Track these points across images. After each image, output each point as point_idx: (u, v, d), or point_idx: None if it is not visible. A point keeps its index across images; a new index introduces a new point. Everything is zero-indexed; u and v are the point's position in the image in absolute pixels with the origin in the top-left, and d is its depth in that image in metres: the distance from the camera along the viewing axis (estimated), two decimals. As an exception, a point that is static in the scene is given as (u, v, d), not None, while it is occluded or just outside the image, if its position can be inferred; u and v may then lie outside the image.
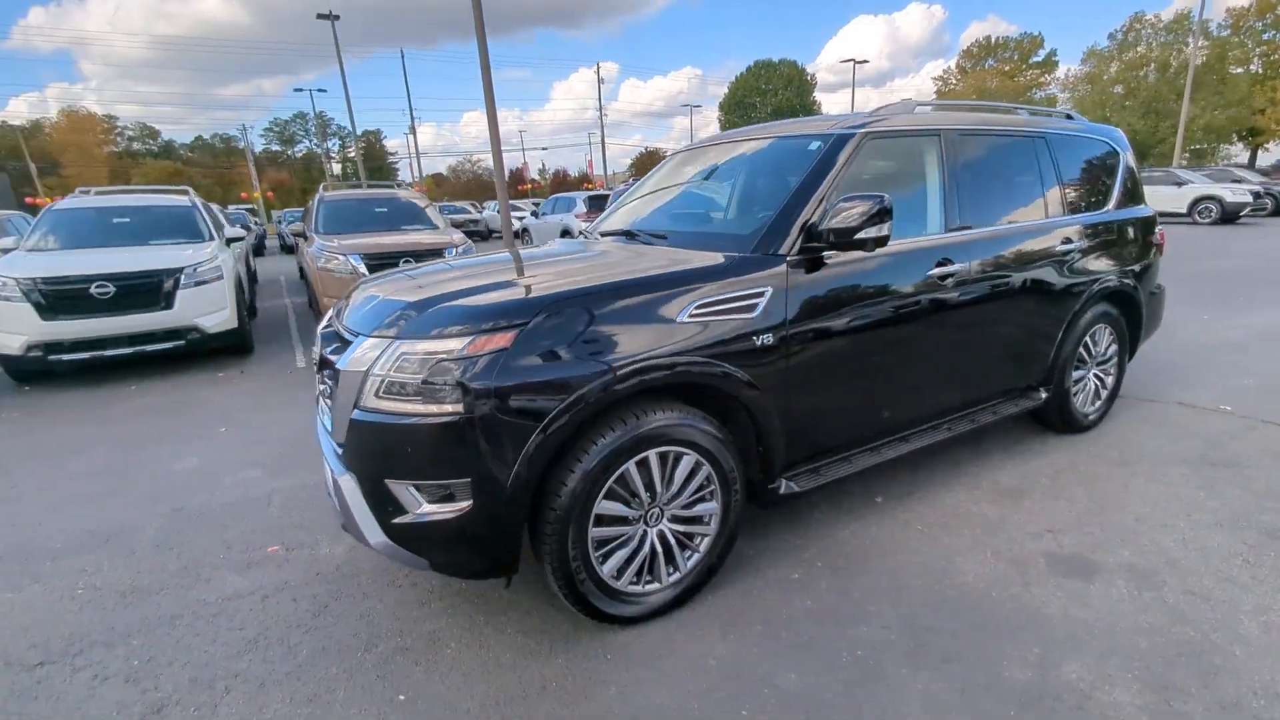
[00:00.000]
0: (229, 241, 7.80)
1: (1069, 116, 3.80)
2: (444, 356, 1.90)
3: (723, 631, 2.25)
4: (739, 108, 53.06)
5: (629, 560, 2.23)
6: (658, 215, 3.31)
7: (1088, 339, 3.57)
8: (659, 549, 2.28)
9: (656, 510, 2.26)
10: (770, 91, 53.28)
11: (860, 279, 2.58)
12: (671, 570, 2.33)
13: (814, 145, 2.73)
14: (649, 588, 2.29)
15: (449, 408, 1.88)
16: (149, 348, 6.08)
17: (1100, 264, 3.51)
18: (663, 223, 3.20)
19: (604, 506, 2.11)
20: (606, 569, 2.18)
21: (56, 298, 5.78)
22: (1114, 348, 3.77)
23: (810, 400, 2.51)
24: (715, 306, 2.23)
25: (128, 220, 7.35)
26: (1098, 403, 3.79)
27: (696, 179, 3.42)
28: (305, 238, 8.29)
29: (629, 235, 3.03)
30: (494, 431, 1.90)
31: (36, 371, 5.99)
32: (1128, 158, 3.87)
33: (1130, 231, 3.73)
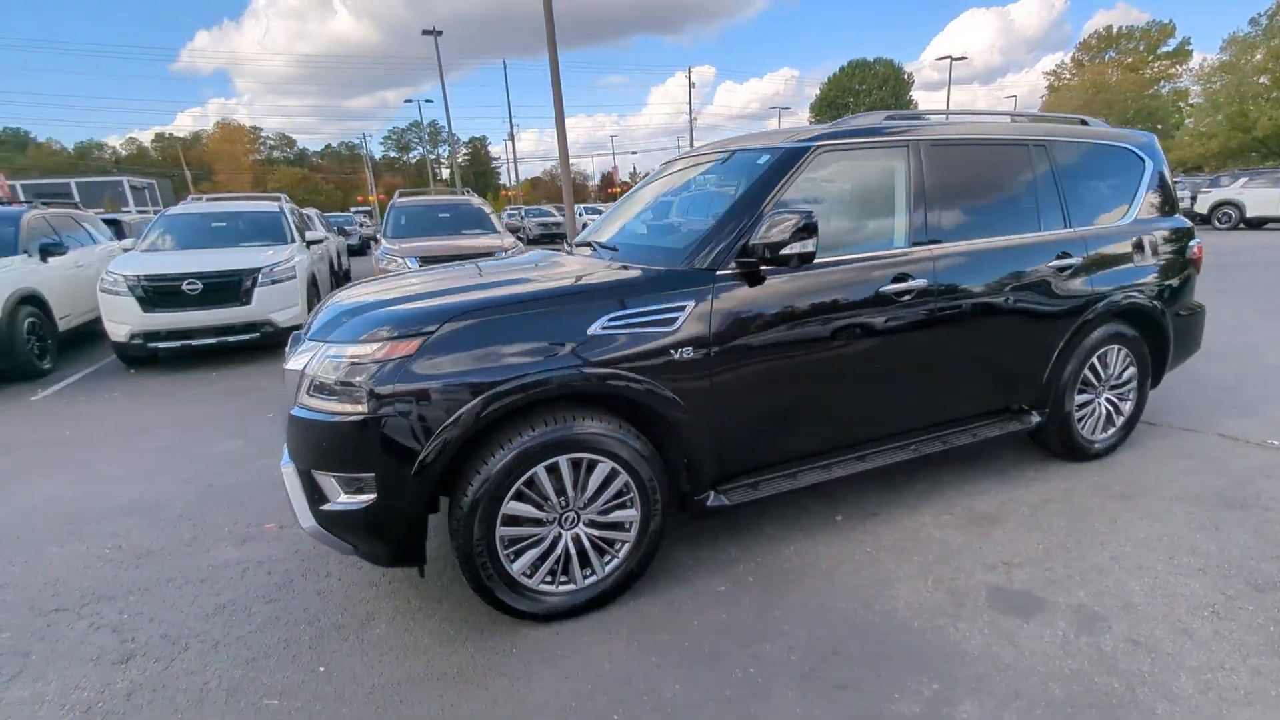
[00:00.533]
0: (309, 244, 8.54)
1: (1083, 122, 3.55)
2: (359, 360, 2.09)
3: (629, 637, 2.32)
4: (830, 108, 51.62)
5: (542, 559, 2.34)
6: (626, 228, 3.39)
7: (1095, 361, 3.32)
8: (573, 552, 2.37)
9: (572, 514, 2.35)
10: (864, 91, 51.51)
11: (800, 296, 2.56)
12: (588, 573, 2.42)
13: (763, 159, 2.72)
14: (562, 588, 2.39)
15: (360, 407, 2.07)
16: (229, 339, 6.84)
17: (1112, 280, 3.26)
18: (624, 236, 3.28)
19: (512, 507, 2.23)
20: (517, 566, 2.30)
21: (155, 292, 6.61)
22: (1131, 371, 3.47)
23: (742, 417, 2.52)
24: (629, 320, 2.30)
25: (224, 225, 8.24)
26: (1110, 430, 3.51)
27: (669, 192, 3.47)
28: (376, 240, 8.96)
29: (591, 247, 3.14)
30: (396, 431, 2.07)
31: (141, 357, 6.86)
32: (1155, 165, 3.55)
33: (1153, 245, 3.42)
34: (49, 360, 6.84)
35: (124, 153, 68.71)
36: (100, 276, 6.77)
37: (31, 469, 4.14)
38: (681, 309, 2.37)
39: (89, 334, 7.84)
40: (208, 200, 9.44)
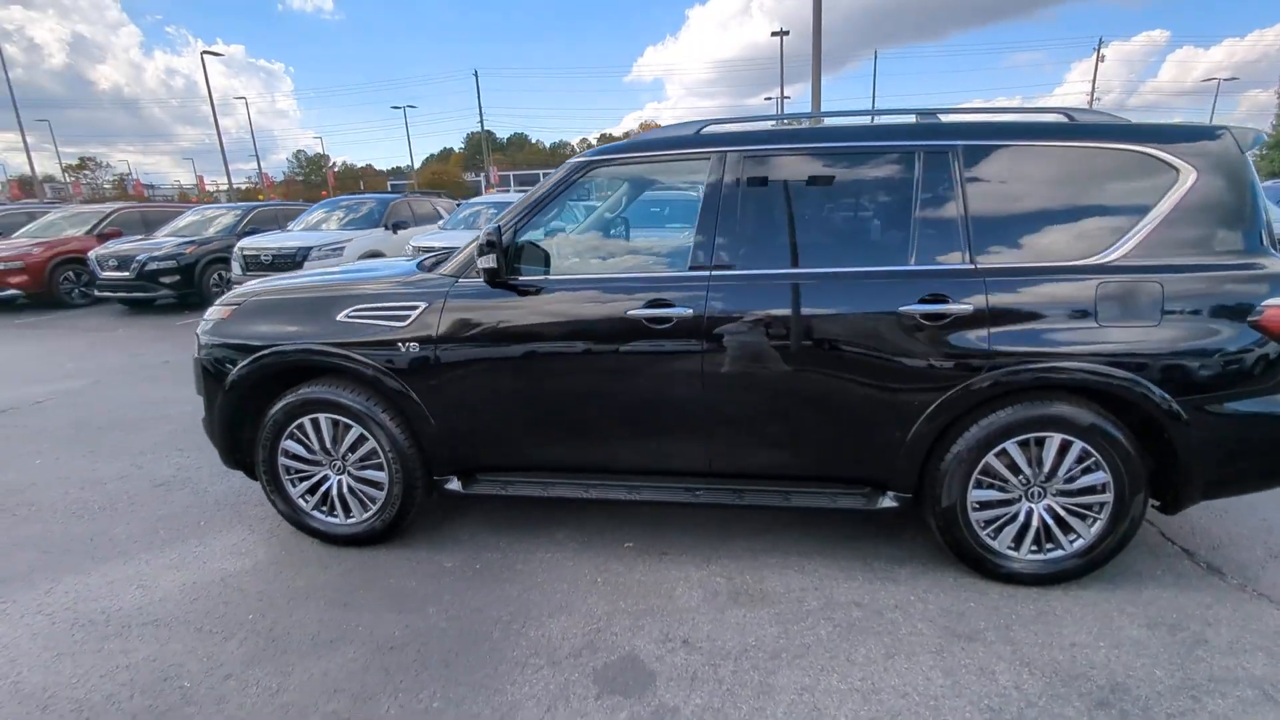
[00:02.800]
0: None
1: (1069, 117, 2.47)
2: (208, 319, 3.00)
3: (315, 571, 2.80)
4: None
5: (311, 492, 2.95)
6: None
7: (1010, 449, 2.40)
8: (334, 495, 2.93)
9: (339, 463, 2.91)
10: None
11: (532, 312, 2.61)
12: (347, 515, 2.95)
13: (557, 173, 2.77)
14: (329, 518, 2.97)
15: (197, 351, 2.97)
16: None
17: (1044, 341, 2.31)
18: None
19: (288, 446, 2.90)
20: (295, 490, 2.97)
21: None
22: (1100, 479, 2.38)
23: (466, 413, 2.72)
24: (366, 313, 2.73)
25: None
26: (1047, 551, 2.48)
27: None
28: None
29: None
30: (211, 375, 2.92)
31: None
32: (1205, 177, 2.29)
33: (1162, 296, 2.26)
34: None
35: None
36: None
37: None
38: (414, 308, 2.69)
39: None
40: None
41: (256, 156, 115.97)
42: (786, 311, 2.45)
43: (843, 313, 2.43)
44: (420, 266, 2.94)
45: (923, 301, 2.37)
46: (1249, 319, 2.25)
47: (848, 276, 2.45)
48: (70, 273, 10.87)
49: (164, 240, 10.48)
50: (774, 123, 2.72)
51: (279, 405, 2.84)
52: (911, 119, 2.61)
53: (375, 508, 2.91)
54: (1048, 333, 2.32)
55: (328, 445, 2.87)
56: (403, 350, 2.70)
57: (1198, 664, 2.10)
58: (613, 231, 3.43)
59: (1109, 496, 2.40)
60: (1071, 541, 2.48)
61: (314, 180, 69.89)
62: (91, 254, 10.23)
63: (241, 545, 3.03)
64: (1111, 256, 2.33)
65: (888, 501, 2.54)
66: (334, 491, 2.93)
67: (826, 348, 2.43)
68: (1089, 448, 2.37)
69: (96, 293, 10.26)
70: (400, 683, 2.13)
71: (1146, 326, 2.28)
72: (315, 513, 2.98)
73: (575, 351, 2.60)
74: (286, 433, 2.88)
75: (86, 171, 77.53)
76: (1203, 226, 2.32)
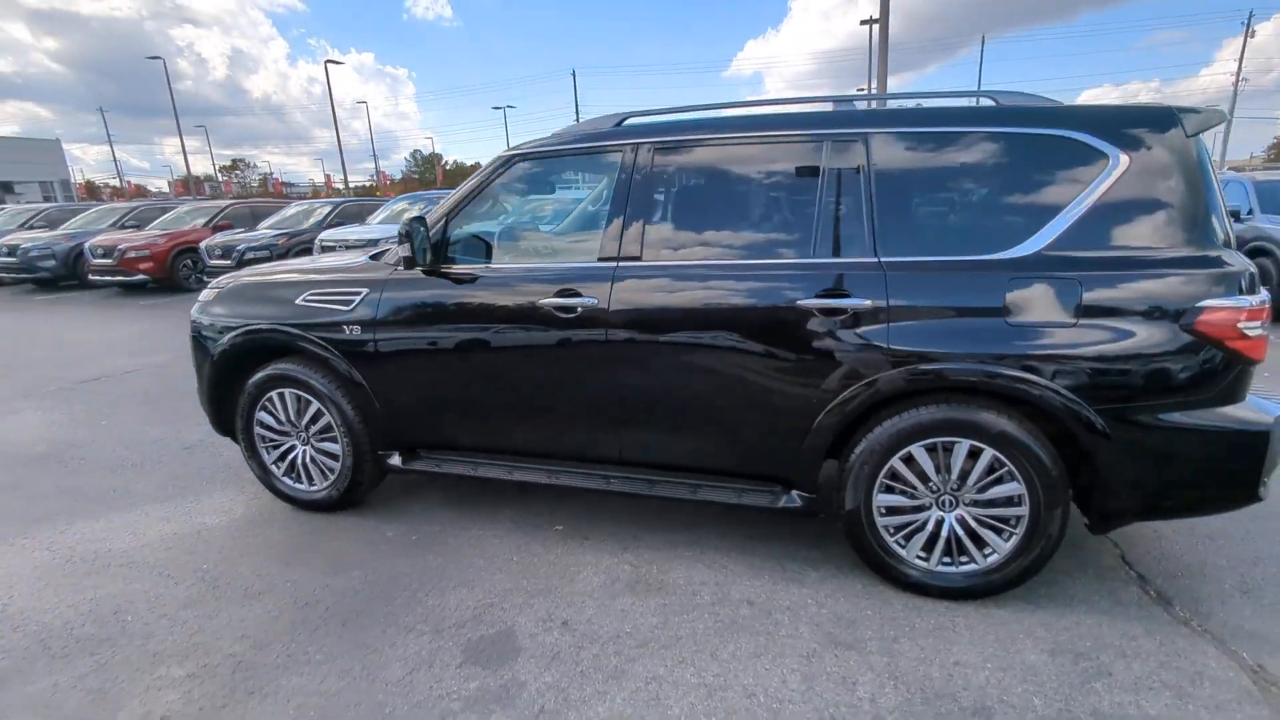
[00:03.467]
0: None
1: (994, 101, 2.27)
2: (200, 300, 3.35)
3: (297, 530, 3.07)
4: None
5: (282, 459, 3.25)
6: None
7: (916, 453, 2.28)
8: (300, 464, 3.20)
9: (303, 435, 3.18)
10: None
11: (451, 297, 2.75)
12: (310, 483, 3.21)
13: (484, 167, 2.87)
14: (296, 484, 3.25)
15: (201, 331, 3.34)
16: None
17: (945, 340, 2.17)
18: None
19: (261, 416, 3.20)
20: (268, 458, 3.27)
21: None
22: (1013, 489, 2.20)
23: (402, 393, 2.90)
24: (319, 297, 2.96)
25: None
26: (960, 564, 2.32)
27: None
28: None
29: None
30: (199, 349, 3.27)
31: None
32: (1140, 163, 2.05)
33: (1076, 296, 2.06)
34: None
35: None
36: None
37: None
38: (358, 294, 2.90)
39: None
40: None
41: (374, 156, 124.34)
42: (686, 303, 2.44)
43: (742, 305, 2.39)
44: (372, 258, 3.14)
45: (821, 295, 2.29)
46: (1182, 321, 2.01)
47: (748, 268, 2.41)
48: (188, 260, 12.24)
49: (263, 232, 11.60)
50: (696, 114, 2.67)
51: (253, 379, 3.15)
52: (829, 107, 2.50)
53: (333, 478, 3.16)
54: (949, 331, 2.18)
55: (292, 418, 3.15)
56: (347, 332, 2.91)
57: (1086, 696, 1.92)
58: (567, 223, 3.53)
59: (1024, 510, 2.22)
60: (986, 555, 2.32)
61: (428, 178, 74.10)
62: (203, 244, 11.48)
63: (226, 504, 3.38)
64: (1027, 251, 2.15)
65: (792, 501, 2.48)
66: (299, 460, 3.21)
67: (725, 340, 2.40)
68: (1001, 457, 2.20)
69: (205, 278, 11.51)
70: (297, 635, 2.33)
71: (1061, 327, 2.09)
72: (285, 479, 3.27)
73: (496, 338, 2.71)
74: (259, 404, 3.19)
75: (237, 171, 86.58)
76: (1134, 219, 2.10)
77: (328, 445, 3.13)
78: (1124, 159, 2.10)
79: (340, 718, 1.94)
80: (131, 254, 11.65)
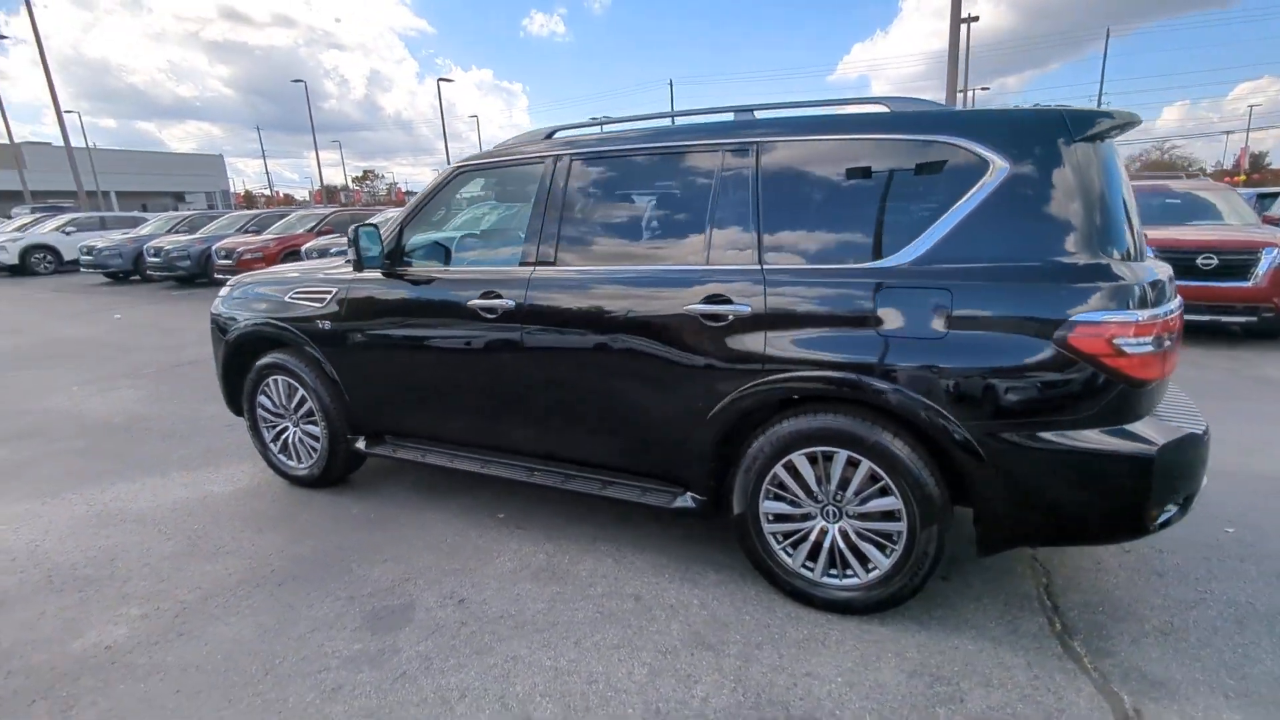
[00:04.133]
0: None
1: (885, 108, 2.20)
2: (219, 296, 3.83)
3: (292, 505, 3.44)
4: None
5: (277, 439, 3.65)
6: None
7: (797, 461, 2.27)
8: (291, 444, 3.59)
9: (293, 419, 3.57)
10: None
11: (398, 297, 3.01)
12: (299, 462, 3.59)
13: (436, 178, 3.11)
14: (288, 462, 3.64)
15: (217, 323, 3.81)
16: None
17: (820, 348, 2.16)
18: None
19: (261, 400, 3.62)
20: (268, 437, 3.69)
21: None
22: (894, 505, 2.15)
23: (362, 383, 3.21)
24: (301, 295, 3.32)
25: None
26: (844, 577, 2.29)
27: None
28: None
29: None
30: (216, 338, 3.74)
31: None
32: (1027, 169, 1.94)
33: (944, 307, 1.99)
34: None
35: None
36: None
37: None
38: (329, 293, 3.23)
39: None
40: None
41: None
42: (590, 307, 2.56)
43: (637, 309, 2.47)
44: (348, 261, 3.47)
45: (705, 301, 2.33)
46: (1055, 335, 1.90)
47: (644, 275, 2.49)
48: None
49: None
50: (617, 126, 2.77)
51: (256, 365, 3.57)
52: (729, 117, 2.53)
53: (315, 458, 3.52)
54: (823, 340, 2.17)
55: (284, 402, 3.54)
56: (320, 326, 3.25)
57: (922, 719, 1.86)
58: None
59: (902, 526, 2.16)
60: (868, 570, 2.27)
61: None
62: (304, 247, 12.70)
63: (236, 475, 3.84)
64: (902, 260, 2.10)
65: (685, 502, 2.53)
66: (290, 440, 3.60)
67: (623, 343, 2.50)
68: (878, 470, 2.16)
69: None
70: (240, 591, 2.66)
71: (931, 339, 2.03)
72: (280, 455, 3.67)
73: (435, 335, 2.94)
74: (260, 389, 3.60)
75: (368, 181, 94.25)
76: (1015, 228, 2.00)
77: (311, 428, 3.49)
78: (1005, 166, 2.01)
79: (238, 663, 2.22)
80: (247, 256, 13.07)
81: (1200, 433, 2.02)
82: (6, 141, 30.79)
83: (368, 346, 3.15)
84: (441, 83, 40.58)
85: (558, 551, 2.87)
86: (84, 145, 43.01)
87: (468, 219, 4.11)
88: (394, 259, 3.06)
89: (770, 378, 2.23)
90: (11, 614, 2.53)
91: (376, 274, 3.11)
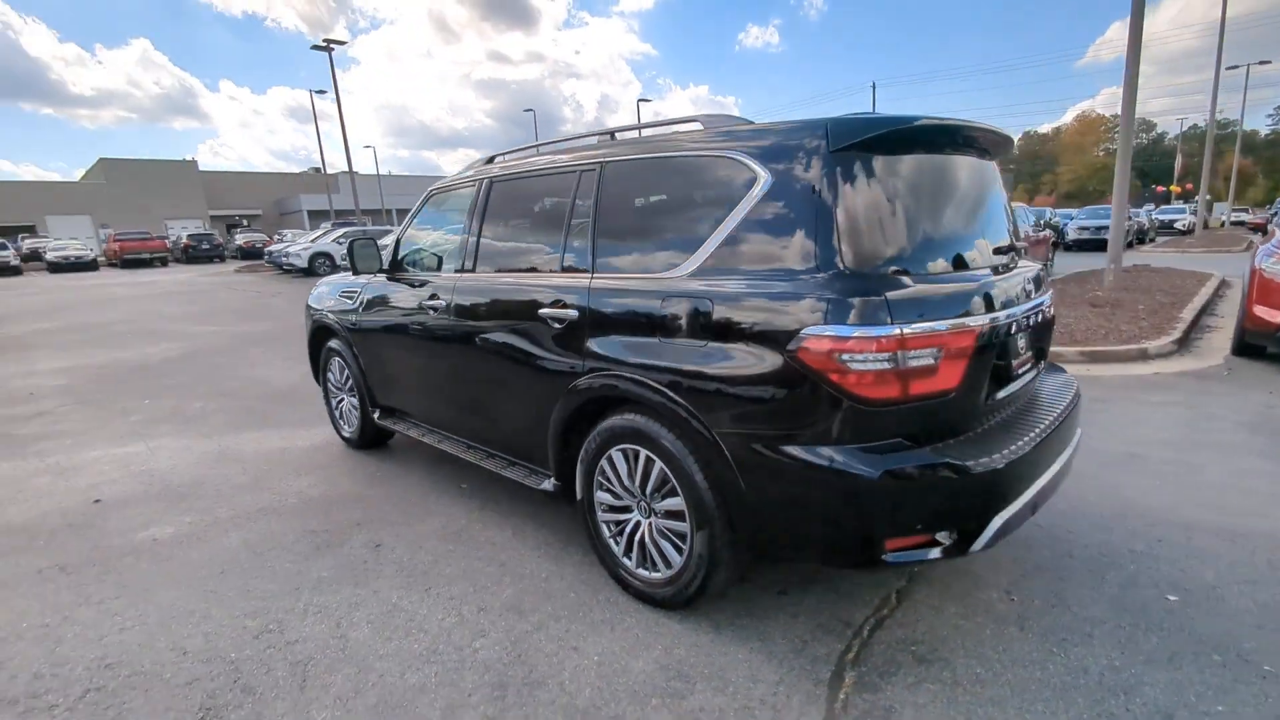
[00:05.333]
0: None
1: (700, 125, 2.22)
2: (311, 292, 4.86)
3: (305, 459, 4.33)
4: None
5: (337, 409, 4.57)
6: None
7: (617, 455, 2.44)
8: (344, 410, 4.48)
9: (343, 392, 4.46)
10: None
11: (389, 295, 3.67)
12: (348, 427, 4.47)
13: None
14: (343, 427, 4.54)
15: (308, 313, 4.86)
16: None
17: (622, 351, 2.32)
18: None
19: (328, 375, 4.57)
20: (332, 405, 4.63)
21: None
22: (675, 504, 2.22)
23: (370, 367, 3.93)
24: (342, 293, 4.16)
25: None
26: (653, 571, 2.39)
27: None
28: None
29: None
30: (308, 325, 4.78)
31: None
32: (786, 181, 1.92)
33: (707, 318, 2.04)
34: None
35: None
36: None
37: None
38: (357, 292, 4.01)
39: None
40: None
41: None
42: (485, 309, 2.96)
43: (513, 313, 2.82)
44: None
45: (551, 305, 2.61)
46: (788, 348, 1.88)
47: (519, 283, 2.84)
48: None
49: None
50: (534, 151, 3.11)
51: (324, 348, 4.53)
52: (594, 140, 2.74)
53: (356, 425, 4.37)
54: (624, 346, 2.33)
55: (339, 380, 4.44)
56: (352, 319, 4.06)
57: (638, 706, 1.97)
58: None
59: (687, 527, 2.24)
60: (669, 566, 2.37)
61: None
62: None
63: (315, 436, 4.86)
64: (683, 271, 2.20)
65: (548, 485, 2.80)
66: (343, 408, 4.50)
67: (501, 340, 2.86)
68: (667, 470, 2.27)
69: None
70: (254, 516, 3.50)
71: (695, 348, 2.11)
72: (341, 421, 4.60)
73: (408, 326, 3.55)
74: (326, 367, 4.56)
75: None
76: (772, 239, 2.00)
77: (353, 400, 4.34)
78: (768, 178, 2.01)
79: (222, 560, 3.00)
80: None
81: (973, 466, 1.83)
82: (324, 172, 39.77)
83: (372, 334, 3.89)
84: (640, 102, 43.11)
85: (478, 520, 3.31)
86: (375, 173, 53.15)
87: (453, 230, 4.81)
88: (393, 266, 3.74)
89: (588, 377, 2.45)
90: (121, 510, 3.64)
91: (381, 277, 3.82)
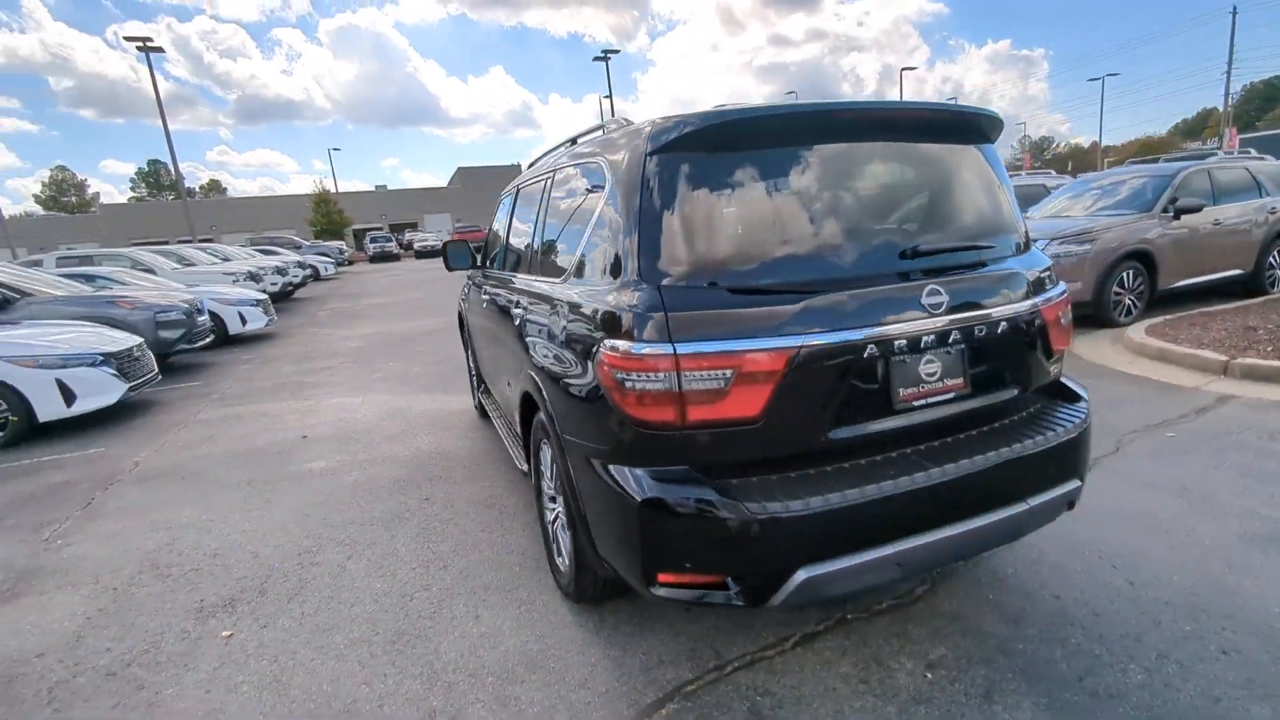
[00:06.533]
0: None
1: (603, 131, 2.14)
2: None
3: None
4: None
5: (470, 380, 5.37)
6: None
7: (543, 450, 2.59)
8: (472, 385, 5.26)
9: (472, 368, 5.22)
10: None
11: (480, 286, 4.20)
12: (471, 399, 5.23)
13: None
14: (468, 398, 5.34)
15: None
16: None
17: (538, 349, 2.44)
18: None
19: (468, 355, 5.40)
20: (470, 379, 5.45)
21: None
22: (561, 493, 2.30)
23: (475, 351, 4.55)
24: (465, 287, 4.86)
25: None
26: (567, 570, 2.47)
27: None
28: None
29: None
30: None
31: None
32: (626, 182, 1.83)
33: (564, 324, 2.06)
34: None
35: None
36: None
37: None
38: (466, 284, 4.66)
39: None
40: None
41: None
42: (502, 300, 3.29)
43: (516, 307, 3.08)
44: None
45: (516, 306, 2.83)
46: (597, 361, 1.83)
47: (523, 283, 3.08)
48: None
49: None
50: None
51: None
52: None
53: (476, 398, 5.11)
54: (536, 345, 2.45)
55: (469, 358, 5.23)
56: (463, 308, 4.75)
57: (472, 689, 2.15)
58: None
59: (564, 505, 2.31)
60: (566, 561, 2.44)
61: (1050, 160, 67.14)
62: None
63: (466, 401, 5.74)
64: (563, 277, 2.24)
65: (523, 466, 3.04)
66: (472, 383, 5.27)
67: (510, 334, 3.13)
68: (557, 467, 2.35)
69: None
70: (378, 462, 4.39)
71: (557, 353, 2.16)
72: (475, 391, 5.40)
73: (482, 318, 4.06)
74: (468, 347, 5.38)
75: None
76: (607, 245, 1.94)
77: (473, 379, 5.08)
78: (611, 183, 1.93)
79: (331, 491, 3.90)
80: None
81: (752, 510, 1.58)
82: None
83: (468, 323, 4.50)
84: (904, 71, 39.31)
85: (491, 487, 3.72)
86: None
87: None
88: (485, 263, 4.28)
89: (527, 373, 2.62)
90: (313, 446, 4.85)
91: (478, 273, 4.39)
